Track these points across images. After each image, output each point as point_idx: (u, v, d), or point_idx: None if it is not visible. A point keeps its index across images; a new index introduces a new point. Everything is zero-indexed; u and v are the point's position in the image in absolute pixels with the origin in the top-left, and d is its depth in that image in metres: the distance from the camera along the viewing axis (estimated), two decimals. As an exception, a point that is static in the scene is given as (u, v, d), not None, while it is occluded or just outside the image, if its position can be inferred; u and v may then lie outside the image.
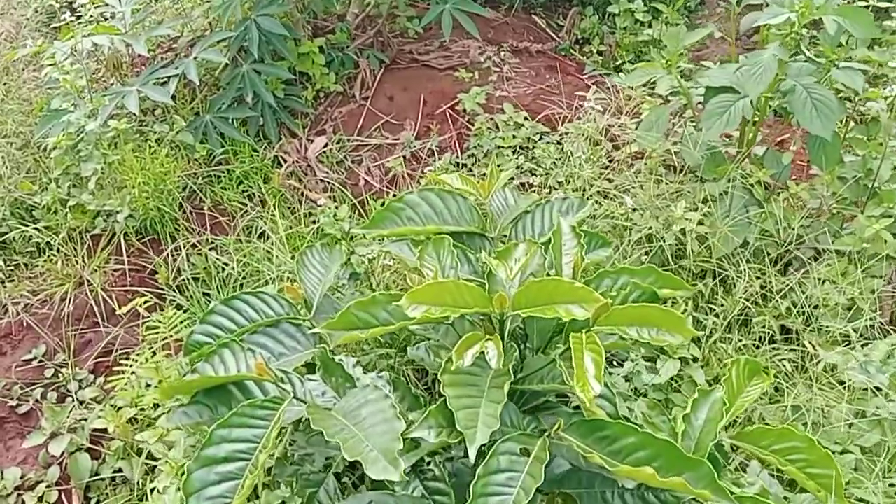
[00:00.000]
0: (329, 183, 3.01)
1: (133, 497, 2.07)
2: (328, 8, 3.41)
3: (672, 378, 2.06)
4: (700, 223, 2.30)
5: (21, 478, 2.17)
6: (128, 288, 2.65)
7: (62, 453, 2.18)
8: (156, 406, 2.13)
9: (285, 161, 3.07)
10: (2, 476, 2.15)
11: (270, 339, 1.79)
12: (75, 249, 2.71)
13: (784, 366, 2.09)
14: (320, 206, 2.85)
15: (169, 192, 2.81)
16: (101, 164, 2.77)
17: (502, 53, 3.54)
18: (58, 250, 2.71)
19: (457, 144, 3.11)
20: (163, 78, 2.97)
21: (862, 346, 2.05)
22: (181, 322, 2.30)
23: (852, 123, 2.46)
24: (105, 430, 2.17)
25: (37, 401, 2.34)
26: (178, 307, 2.51)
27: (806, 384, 1.99)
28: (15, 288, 2.63)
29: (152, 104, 3.13)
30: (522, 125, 3.08)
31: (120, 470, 2.15)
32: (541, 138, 3.04)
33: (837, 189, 2.37)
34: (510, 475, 1.38)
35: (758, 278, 2.26)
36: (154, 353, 2.23)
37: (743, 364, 1.63)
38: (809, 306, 2.18)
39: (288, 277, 2.42)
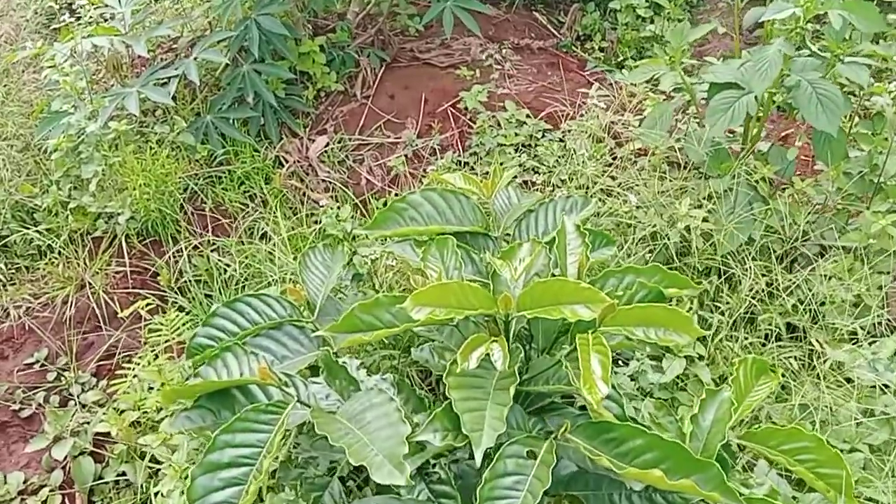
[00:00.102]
0: (331, 183, 3.00)
1: (137, 501, 2.06)
2: (328, 7, 3.40)
3: (678, 377, 2.05)
4: (705, 220, 2.29)
5: (24, 482, 2.16)
6: (129, 290, 2.64)
7: (65, 457, 2.17)
8: (159, 409, 2.12)
9: (287, 161, 3.06)
10: (5, 480, 2.14)
11: (273, 342, 1.78)
12: (76, 252, 2.70)
13: (791, 364, 2.08)
14: (322, 206, 2.84)
15: (170, 193, 2.80)
16: (101, 165, 2.76)
17: (504, 51, 3.52)
18: (59, 253, 2.70)
19: (459, 143, 3.10)
20: (163, 79, 2.96)
21: (869, 343, 2.03)
22: (183, 324, 2.28)
23: (857, 118, 2.44)
24: (108, 434, 2.16)
25: (39, 405, 2.33)
26: (181, 309, 2.50)
27: (813, 382, 1.98)
28: (16, 291, 2.62)
29: (153, 105, 3.12)
30: (525, 123, 3.06)
31: (123, 473, 2.14)
32: (543, 136, 3.02)
33: (843, 185, 2.35)
34: (517, 478, 1.36)
35: (763, 275, 2.24)
36: (156, 356, 2.22)
37: (750, 363, 1.62)
38: (816, 303, 2.16)
39: (290, 279, 2.41)
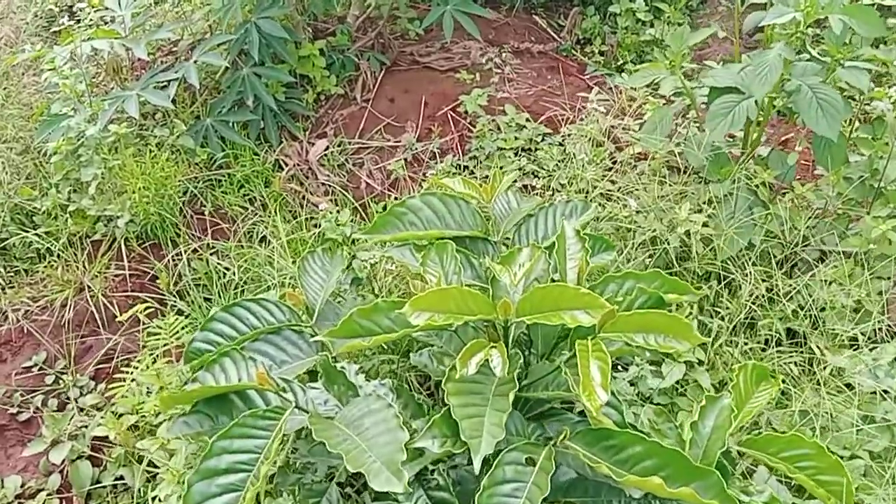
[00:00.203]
0: (330, 186, 2.99)
1: (134, 505, 2.06)
2: (328, 10, 3.40)
3: (678, 382, 2.04)
4: (705, 225, 2.28)
5: (22, 486, 2.15)
6: (129, 293, 2.63)
7: (63, 461, 2.17)
8: (157, 413, 2.11)
9: (286, 164, 3.06)
10: (2, 484, 2.14)
11: (272, 347, 1.78)
12: (76, 255, 2.70)
13: (791, 369, 2.07)
14: (321, 210, 2.83)
15: (169, 196, 2.80)
16: (101, 168, 2.75)
17: (503, 54, 3.52)
18: (58, 256, 2.69)
19: (458, 146, 3.09)
20: (163, 82, 2.95)
21: (870, 349, 2.02)
22: (182, 328, 2.28)
23: (857, 123, 2.44)
24: (106, 438, 2.16)
25: (37, 408, 2.33)
26: (180, 312, 2.49)
27: (813, 388, 1.97)
28: (15, 294, 2.62)
29: (152, 108, 3.12)
30: (524, 127, 3.06)
31: (121, 477, 2.14)
32: (543, 140, 3.02)
33: (843, 189, 2.35)
34: (516, 485, 1.36)
35: (763, 281, 2.24)
36: (155, 360, 2.21)
37: (750, 369, 1.61)
38: (816, 309, 2.16)
39: (290, 283, 2.40)
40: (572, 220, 1.96)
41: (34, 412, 2.32)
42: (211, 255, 2.66)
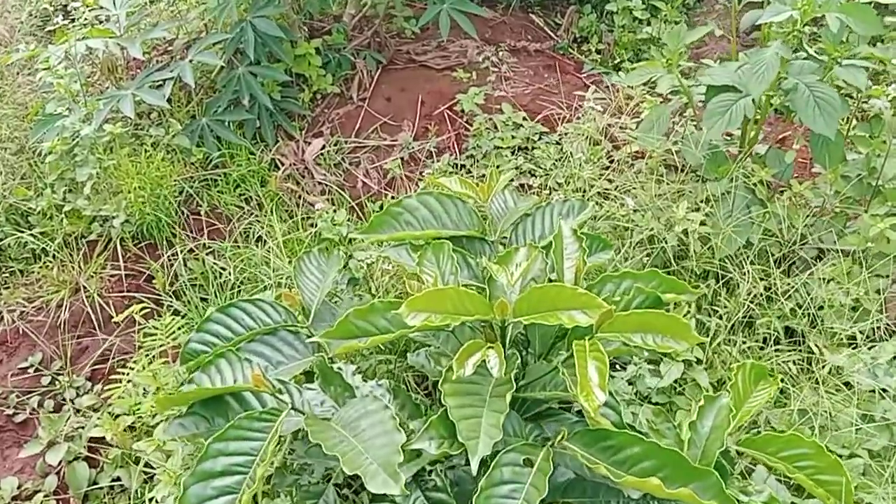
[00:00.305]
0: (327, 185, 2.98)
1: (132, 506, 2.05)
2: (324, 9, 3.38)
3: (676, 381, 2.04)
4: (702, 224, 2.28)
5: (18, 487, 2.15)
6: (124, 294, 2.62)
7: (60, 462, 2.16)
8: (154, 414, 2.10)
9: (282, 164, 3.05)
10: (-1, 486, 2.13)
11: (268, 348, 1.77)
12: (71, 255, 2.68)
13: (789, 368, 2.07)
14: (317, 209, 2.82)
15: (165, 196, 2.79)
16: (96, 168, 2.74)
17: (500, 53, 3.51)
18: (53, 256, 2.68)
19: (455, 145, 3.09)
20: (158, 81, 2.94)
21: (868, 347, 2.02)
22: (179, 328, 2.27)
23: (855, 121, 2.44)
24: (103, 439, 2.15)
25: (33, 409, 2.32)
26: (176, 313, 2.48)
27: (812, 387, 1.96)
28: (10, 295, 2.60)
29: (148, 108, 3.10)
30: (521, 125, 3.05)
31: (118, 479, 2.13)
32: (540, 138, 3.01)
33: (841, 188, 2.34)
34: (513, 487, 1.35)
35: (761, 279, 2.23)
36: (151, 361, 2.20)
37: (749, 369, 1.61)
38: (814, 307, 2.15)
39: (286, 283, 2.39)
40: (569, 219, 1.95)
41: (30, 413, 2.31)
42: (207, 255, 2.65)
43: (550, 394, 1.54)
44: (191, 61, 2.92)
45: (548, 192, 2.71)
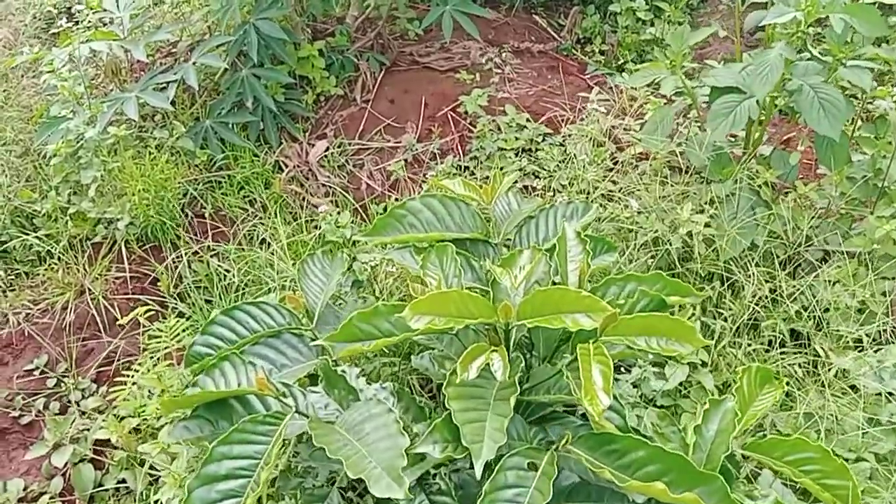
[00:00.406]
0: (331, 187, 2.98)
1: (137, 508, 2.06)
2: (327, 11, 3.38)
3: (681, 383, 2.03)
4: (707, 225, 2.27)
5: (24, 489, 2.15)
6: (129, 296, 2.63)
7: (65, 464, 2.16)
8: (159, 416, 2.10)
9: (286, 166, 3.05)
10: (5, 488, 2.13)
11: (272, 350, 1.77)
12: (76, 258, 2.69)
13: (795, 370, 2.06)
14: (321, 211, 2.82)
15: (169, 198, 2.79)
16: (100, 171, 2.75)
17: (503, 54, 3.51)
18: (58, 259, 2.68)
19: (459, 147, 3.08)
20: (162, 83, 2.95)
21: (875, 350, 2.01)
22: (183, 330, 2.27)
23: (860, 122, 2.43)
24: (108, 441, 2.15)
25: (39, 411, 2.32)
26: (181, 315, 2.49)
27: (818, 390, 1.96)
28: (16, 297, 2.61)
29: (152, 110, 3.11)
30: (525, 127, 3.04)
31: (123, 481, 2.13)
32: (544, 140, 3.01)
33: (846, 189, 2.33)
34: (517, 491, 1.35)
35: (767, 281, 2.22)
36: (156, 363, 2.21)
37: (754, 372, 1.60)
38: (820, 310, 2.14)
39: (290, 286, 2.39)
40: (573, 221, 1.95)
41: (36, 415, 2.31)
42: (211, 257, 2.66)
43: (555, 397, 1.54)
44: (194, 63, 2.93)
45: (552, 193, 2.71)
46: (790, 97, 2.21)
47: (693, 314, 2.16)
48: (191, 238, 2.79)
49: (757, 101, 2.20)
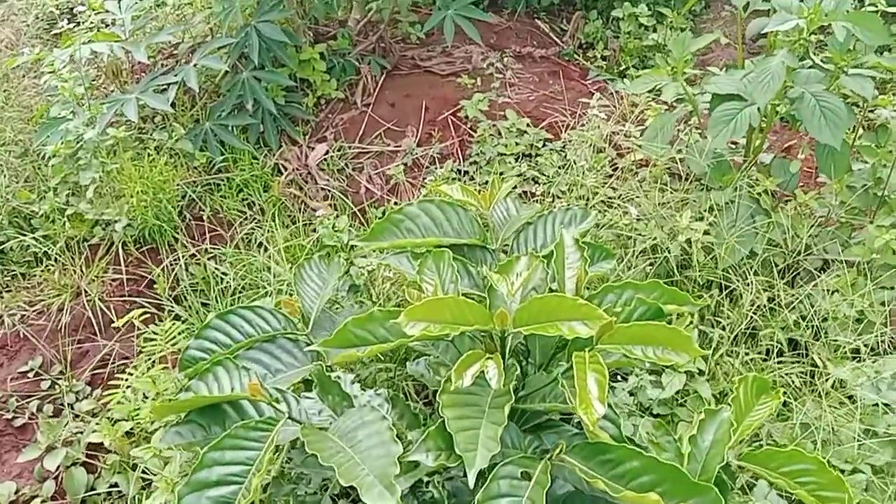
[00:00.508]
0: (330, 191, 2.98)
1: (129, 513, 2.04)
2: (329, 14, 3.38)
3: (678, 392, 2.02)
4: (706, 233, 2.26)
5: (16, 492, 2.15)
6: (126, 298, 2.62)
7: (58, 467, 2.16)
8: (152, 420, 2.09)
9: (286, 169, 3.04)
10: (-3, 490, 2.13)
11: (267, 355, 1.76)
12: (73, 259, 2.68)
13: (792, 380, 2.05)
14: (319, 215, 2.82)
15: (168, 200, 2.78)
16: (99, 172, 2.74)
17: (505, 59, 3.50)
18: (55, 260, 2.68)
19: (459, 151, 3.08)
20: (162, 85, 2.94)
21: (872, 361, 2.00)
22: (179, 333, 2.26)
23: (861, 131, 2.42)
24: (101, 444, 2.15)
25: (33, 414, 2.31)
26: (177, 318, 2.48)
27: (815, 400, 1.94)
28: (12, 298, 2.60)
29: (152, 111, 3.11)
30: (525, 132, 3.04)
31: (116, 485, 2.12)
32: (544, 145, 3.00)
33: (846, 198, 2.32)
34: (511, 500, 1.33)
35: (765, 290, 2.21)
36: (151, 366, 2.20)
37: (751, 382, 1.59)
38: (818, 319, 2.13)
39: (287, 290, 2.38)
40: (571, 228, 1.94)
41: (29, 418, 2.31)
42: (209, 260, 2.65)
43: (550, 405, 1.53)
44: (195, 65, 2.93)
45: (551, 199, 2.70)
46: (791, 105, 2.20)
47: (691, 322, 2.15)
48: (188, 240, 2.79)
49: (758, 109, 2.19)
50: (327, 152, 3.10)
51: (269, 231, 2.71)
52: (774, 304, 2.21)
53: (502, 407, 1.42)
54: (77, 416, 2.28)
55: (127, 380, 2.14)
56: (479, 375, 1.43)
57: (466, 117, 3.14)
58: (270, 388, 1.54)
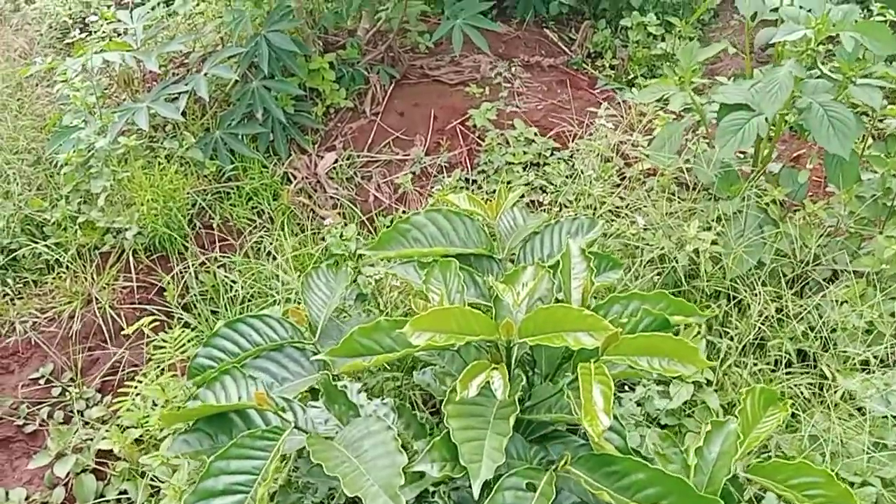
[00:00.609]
0: (339, 200, 2.99)
1: (138, 520, 2.05)
2: (339, 23, 3.41)
3: (685, 402, 2.01)
4: (714, 243, 2.25)
5: (27, 499, 2.16)
6: (136, 306, 2.64)
7: (67, 474, 2.17)
8: (161, 427, 2.11)
9: (295, 178, 3.06)
10: (7, 497, 2.14)
11: (274, 364, 1.77)
12: (84, 266, 2.71)
13: (801, 391, 2.03)
14: (327, 224, 2.83)
15: (178, 209, 2.81)
16: (110, 180, 2.77)
17: (513, 68, 3.51)
18: (67, 267, 2.70)
19: (467, 160, 3.09)
20: (173, 94, 2.97)
21: (882, 372, 1.98)
22: (189, 341, 2.28)
23: (870, 140, 2.41)
24: (111, 451, 2.16)
25: (43, 420, 2.33)
26: (186, 325, 2.49)
27: (824, 412, 1.93)
28: (24, 305, 2.63)
29: (162, 120, 3.14)
30: (533, 141, 3.05)
31: (125, 492, 2.13)
32: (552, 155, 3.01)
33: (855, 208, 2.31)
34: (515, 511, 1.34)
35: (773, 300, 2.20)
36: (161, 373, 2.21)
37: (758, 393, 1.58)
38: (827, 330, 2.12)
39: (295, 298, 2.39)
40: (578, 237, 1.94)
41: (40, 424, 2.32)
42: (218, 268, 2.66)
43: (556, 416, 1.53)
44: (205, 74, 2.95)
45: (558, 208, 2.70)
46: (800, 115, 2.20)
47: (699, 332, 2.14)
48: (198, 249, 2.80)
49: (766, 119, 2.19)
50: (336, 161, 3.12)
51: (277, 239, 2.72)
52: (783, 315, 2.20)
53: (507, 418, 1.42)
54: (87, 423, 2.30)
55: (136, 387, 2.16)
56: (485, 386, 1.43)
57: (474, 126, 3.15)
58: (277, 397, 1.55)
